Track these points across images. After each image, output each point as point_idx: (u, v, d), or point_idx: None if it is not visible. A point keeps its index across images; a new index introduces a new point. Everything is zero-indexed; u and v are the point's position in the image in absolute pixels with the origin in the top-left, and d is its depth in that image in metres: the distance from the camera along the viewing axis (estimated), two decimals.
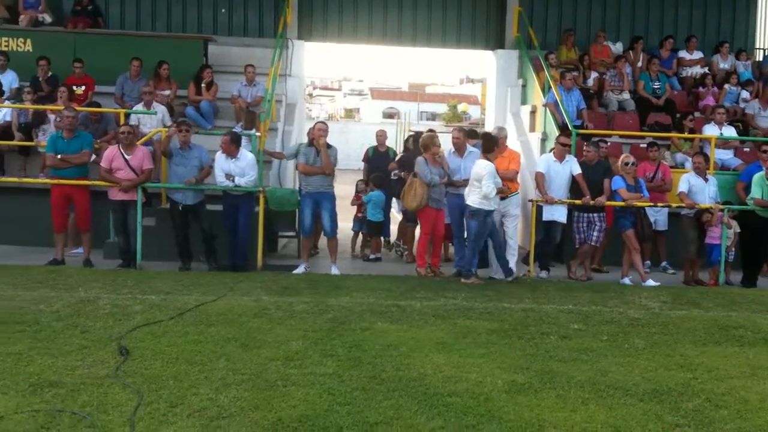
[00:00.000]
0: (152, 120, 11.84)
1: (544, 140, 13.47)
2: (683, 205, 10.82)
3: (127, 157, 10.13)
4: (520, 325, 7.43)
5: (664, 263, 11.81)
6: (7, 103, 12.30)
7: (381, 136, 13.19)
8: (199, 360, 5.91)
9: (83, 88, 12.92)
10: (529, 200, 10.95)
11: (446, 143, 10.78)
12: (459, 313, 7.86)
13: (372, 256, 12.01)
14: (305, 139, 12.34)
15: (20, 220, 11.42)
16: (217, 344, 6.38)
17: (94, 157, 10.65)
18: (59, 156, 10.20)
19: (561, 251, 11.36)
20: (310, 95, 69.94)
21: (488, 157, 9.94)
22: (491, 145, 10.08)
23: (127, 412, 4.79)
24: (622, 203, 10.55)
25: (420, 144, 10.88)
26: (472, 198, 9.87)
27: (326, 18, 15.87)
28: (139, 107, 12.13)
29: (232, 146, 10.24)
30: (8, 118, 12.14)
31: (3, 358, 5.79)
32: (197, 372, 5.62)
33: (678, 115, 13.65)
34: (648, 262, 11.43)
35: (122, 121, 11.55)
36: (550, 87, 13.25)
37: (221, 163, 10.32)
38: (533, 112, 14.43)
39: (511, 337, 6.96)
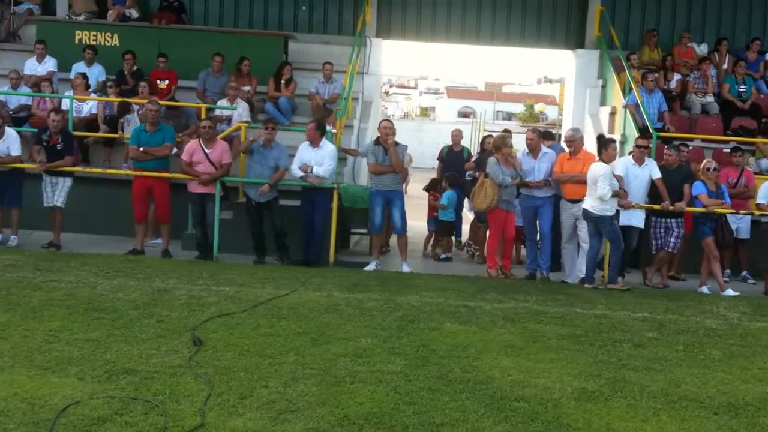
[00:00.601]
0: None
1: (623, 143, 13.18)
2: (766, 213, 10.46)
3: (207, 151, 10.36)
4: (592, 332, 7.30)
5: (744, 273, 11.43)
6: (92, 95, 12.72)
7: (456, 135, 13.14)
8: (270, 353, 6.01)
9: (167, 82, 13.26)
10: None
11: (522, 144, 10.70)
12: (529, 317, 7.77)
13: (443, 256, 11.98)
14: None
15: (103, 210, 11.79)
16: (287, 338, 6.47)
17: (175, 150, 10.92)
18: (142, 148, 10.50)
19: (637, 257, 11.13)
20: (386, 93, 70.14)
21: (602, 159, 9.84)
22: (601, 147, 10.01)
23: (198, 401, 4.89)
24: (702, 209, 10.26)
25: (491, 144, 10.81)
26: (591, 203, 9.75)
27: (405, 16, 15.89)
28: (223, 102, 12.38)
29: (316, 133, 10.36)
30: (94, 111, 12.55)
31: (81, 345, 6.00)
32: (267, 365, 5.71)
33: (764, 120, 13.20)
34: (728, 270, 11.08)
35: (203, 115, 11.82)
36: (631, 88, 12.97)
37: (302, 152, 10.44)
38: (613, 114, 14.15)
39: (582, 343, 6.85)
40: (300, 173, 10.35)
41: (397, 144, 10.38)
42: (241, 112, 12.23)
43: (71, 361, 5.60)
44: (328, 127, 11.80)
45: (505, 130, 12.03)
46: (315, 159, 10.37)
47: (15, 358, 5.59)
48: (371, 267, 10.43)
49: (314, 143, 10.42)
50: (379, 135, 10.61)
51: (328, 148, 10.51)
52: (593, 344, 6.84)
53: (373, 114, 14.93)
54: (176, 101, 12.76)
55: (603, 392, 5.51)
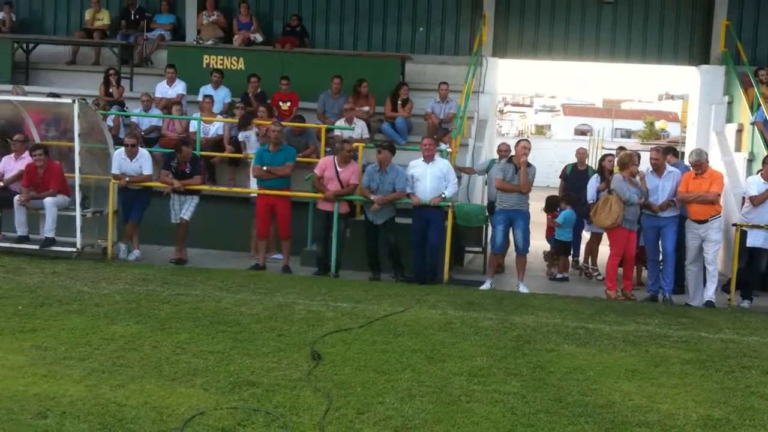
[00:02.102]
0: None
1: (750, 161, 12.65)
2: None
3: (339, 169, 10.60)
4: (719, 357, 7.01)
5: None
6: (219, 117, 13.27)
7: (582, 154, 12.81)
8: (386, 369, 6.08)
9: (288, 104, 13.69)
10: (733, 224, 10.30)
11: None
12: (651, 340, 7.54)
13: (559, 276, 11.79)
14: (496, 155, 12.38)
15: (227, 227, 12.24)
16: (403, 355, 6.53)
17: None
18: (265, 168, 10.86)
19: (766, 280, 10.62)
20: (501, 111, 69.69)
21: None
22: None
23: (317, 415, 5.01)
24: None
25: (617, 162, 10.61)
26: None
27: (521, 35, 15.82)
28: (341, 122, 12.68)
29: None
30: (220, 132, 13.08)
31: (207, 356, 6.24)
32: (384, 381, 5.78)
33: None
34: None
35: (323, 136, 12.11)
36: (759, 105, 12.43)
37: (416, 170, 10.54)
38: (740, 131, 13.60)
39: (707, 369, 6.59)
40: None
41: (529, 165, 10.33)
42: (359, 132, 12.47)
43: (197, 372, 5.84)
44: (443, 146, 11.88)
45: (620, 148, 11.77)
46: (436, 173, 10.41)
47: (145, 368, 5.88)
48: (486, 286, 10.38)
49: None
50: (512, 153, 10.59)
51: (444, 163, 10.60)
52: (719, 370, 6.57)
53: (488, 133, 14.91)
54: (303, 121, 13.11)
55: (730, 420, 5.29)
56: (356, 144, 11.79)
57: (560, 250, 11.93)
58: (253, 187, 11.49)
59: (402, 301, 8.76)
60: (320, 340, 6.84)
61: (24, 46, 15.77)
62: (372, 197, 10.39)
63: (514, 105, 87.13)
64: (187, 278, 9.63)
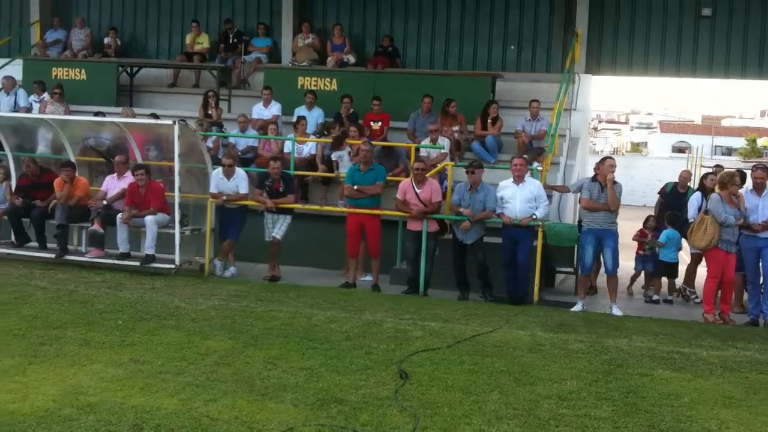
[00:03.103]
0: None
1: None
2: None
3: (417, 190, 10.67)
4: None
5: None
6: (312, 137, 13.54)
7: (684, 178, 12.40)
8: (473, 390, 6.06)
9: (380, 123, 13.85)
10: None
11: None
12: (751, 366, 7.26)
13: (655, 297, 11.48)
14: (589, 174, 12.19)
15: (319, 245, 12.43)
16: (491, 376, 6.49)
17: None
18: (356, 187, 11.01)
19: None
20: (595, 129, 68.41)
21: None
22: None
23: None
24: None
25: (717, 181, 10.30)
26: None
27: (615, 51, 15.56)
28: (426, 142, 12.75)
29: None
30: (313, 152, 13.34)
31: (296, 373, 6.36)
32: (471, 402, 5.76)
33: None
34: None
35: (412, 155, 12.20)
36: None
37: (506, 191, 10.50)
38: None
39: None
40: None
41: (615, 182, 10.15)
42: (446, 151, 12.51)
43: (287, 387, 5.96)
44: (534, 164, 11.76)
45: (717, 166, 11.39)
46: (527, 195, 10.34)
47: (237, 383, 6.04)
48: (577, 307, 10.20)
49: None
50: (596, 172, 10.44)
51: (535, 185, 10.50)
52: None
53: (581, 151, 14.70)
54: (388, 141, 13.27)
55: None
56: (447, 163, 11.85)
57: (662, 272, 11.62)
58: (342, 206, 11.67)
59: (490, 321, 8.71)
60: (408, 359, 6.87)
61: (128, 69, 16.51)
62: (463, 210, 10.39)
63: (608, 122, 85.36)
64: (280, 295, 9.83)
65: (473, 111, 13.66)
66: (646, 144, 73.95)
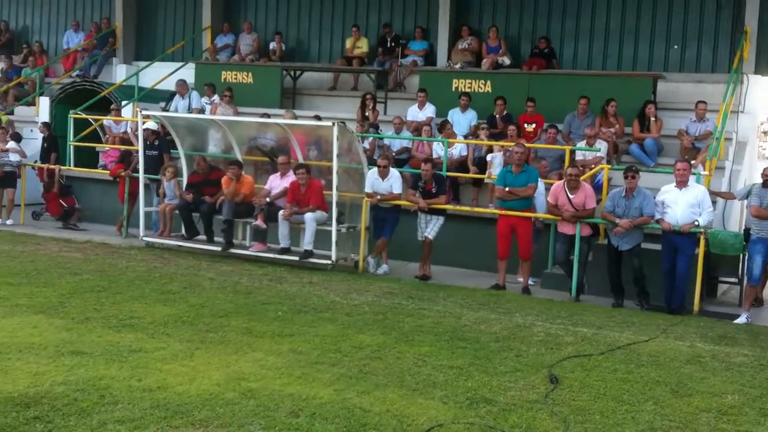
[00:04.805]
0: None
1: None
2: None
3: (570, 196, 10.50)
4: None
5: None
6: (460, 138, 13.62)
7: None
8: (627, 399, 5.93)
9: (533, 125, 13.73)
10: None
11: None
12: None
13: None
14: (757, 180, 11.54)
15: (469, 246, 12.48)
16: (645, 386, 6.33)
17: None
18: (507, 189, 10.98)
19: None
20: (765, 133, 64.26)
21: None
22: None
23: None
24: None
25: None
26: None
27: None
28: (581, 144, 12.52)
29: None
30: (464, 153, 13.41)
31: (446, 371, 6.46)
32: (624, 411, 5.65)
33: None
34: None
35: (567, 158, 12.01)
36: None
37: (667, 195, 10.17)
38: None
39: None
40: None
41: None
42: (602, 154, 12.23)
43: (436, 384, 6.07)
44: (699, 169, 11.27)
45: None
46: (692, 201, 9.96)
47: (389, 377, 6.21)
48: (741, 319, 9.70)
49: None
50: (765, 178, 9.91)
51: (699, 190, 10.08)
52: None
53: (748, 155, 13.92)
54: (542, 144, 13.13)
55: None
56: (603, 166, 11.59)
57: None
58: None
59: (646, 330, 8.46)
60: (558, 364, 6.81)
61: (292, 73, 17.20)
62: (617, 221, 10.12)
63: None
64: (431, 294, 9.98)
65: (632, 114, 13.27)
66: None
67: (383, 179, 11.67)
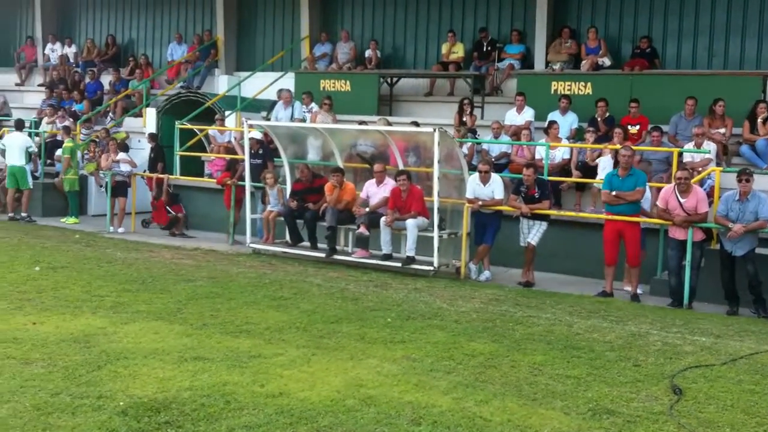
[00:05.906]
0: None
1: None
2: None
3: (681, 200, 10.22)
4: None
5: None
6: (564, 142, 13.42)
7: None
8: (757, 412, 5.74)
9: (638, 127, 13.41)
10: None
11: None
12: None
13: None
14: None
15: (573, 252, 12.28)
16: None
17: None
18: (614, 193, 10.75)
19: None
20: None
21: None
22: None
23: None
24: None
25: None
26: None
27: None
28: (689, 146, 12.16)
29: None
30: (566, 156, 13.22)
31: (564, 380, 6.38)
32: (755, 424, 5.47)
33: None
34: None
35: (675, 160, 11.70)
36: None
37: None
38: None
39: None
40: None
41: None
42: (711, 156, 11.85)
43: (555, 395, 6.01)
44: None
45: None
46: None
47: (505, 386, 6.19)
48: None
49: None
50: None
51: None
52: None
53: None
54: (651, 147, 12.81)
55: None
56: (713, 168, 11.23)
57: None
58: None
59: (767, 339, 8.15)
60: (680, 374, 6.64)
61: (388, 80, 17.32)
62: (731, 225, 9.79)
63: None
64: (537, 301, 9.87)
65: (740, 115, 12.81)
66: None
67: (484, 185, 11.61)
